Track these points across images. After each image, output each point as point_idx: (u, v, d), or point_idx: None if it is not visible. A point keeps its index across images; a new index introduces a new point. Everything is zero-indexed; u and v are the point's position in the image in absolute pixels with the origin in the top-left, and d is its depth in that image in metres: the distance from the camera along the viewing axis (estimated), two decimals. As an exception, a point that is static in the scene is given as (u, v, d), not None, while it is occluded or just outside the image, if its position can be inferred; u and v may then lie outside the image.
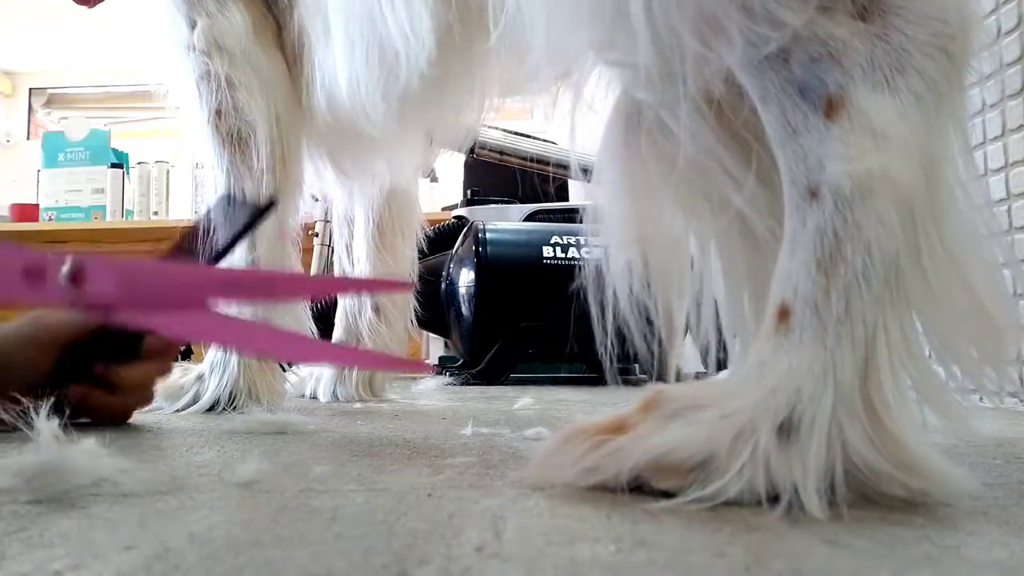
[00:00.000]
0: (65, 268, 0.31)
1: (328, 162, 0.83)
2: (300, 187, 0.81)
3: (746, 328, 0.42)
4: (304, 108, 0.78)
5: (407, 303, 0.97)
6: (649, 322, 0.42)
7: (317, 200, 0.98)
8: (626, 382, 1.03)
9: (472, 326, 1.37)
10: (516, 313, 1.35)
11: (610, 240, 0.42)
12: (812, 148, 0.33)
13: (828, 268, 0.32)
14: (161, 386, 0.79)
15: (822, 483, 0.30)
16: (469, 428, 0.57)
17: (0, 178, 3.13)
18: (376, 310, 0.94)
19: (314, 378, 0.98)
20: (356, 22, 0.62)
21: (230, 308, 0.36)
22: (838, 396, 0.31)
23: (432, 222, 1.42)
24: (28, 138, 3.35)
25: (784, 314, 0.32)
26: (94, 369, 0.57)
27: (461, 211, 1.75)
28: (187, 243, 0.58)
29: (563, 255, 1.37)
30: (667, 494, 0.31)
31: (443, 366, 1.64)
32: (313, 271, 1.69)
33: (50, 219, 2.54)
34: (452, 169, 2.23)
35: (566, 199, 1.83)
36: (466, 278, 1.38)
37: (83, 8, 0.82)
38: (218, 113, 0.75)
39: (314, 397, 0.96)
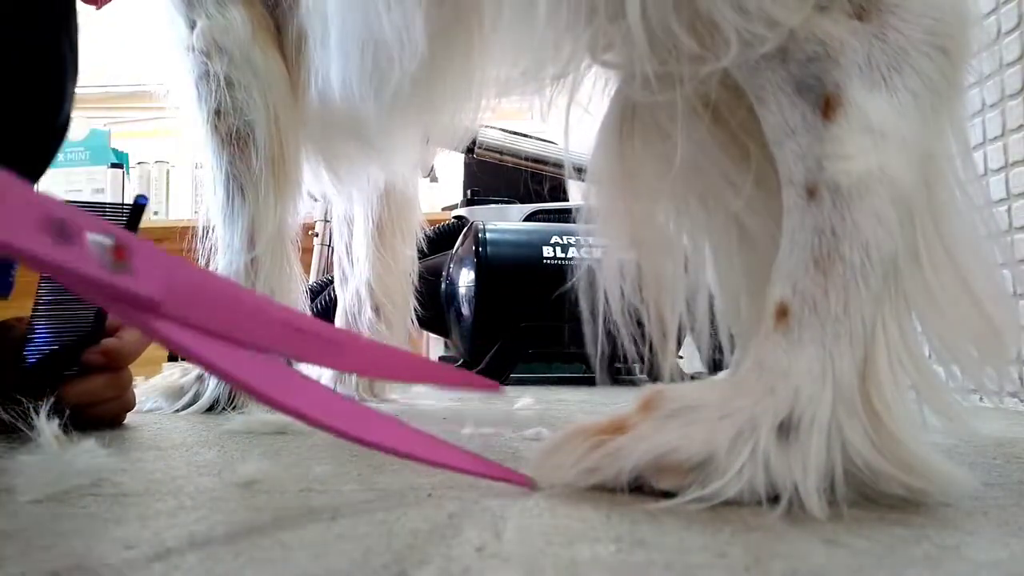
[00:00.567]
0: (107, 239, 0.23)
1: (322, 163, 0.83)
2: (299, 187, 0.81)
3: (744, 328, 0.42)
4: (300, 108, 0.78)
5: (407, 303, 0.97)
6: (640, 324, 0.42)
7: (317, 200, 0.98)
8: (626, 382, 1.04)
9: (472, 326, 1.37)
10: (516, 313, 1.35)
11: (604, 240, 0.42)
12: (810, 147, 0.33)
13: (826, 267, 0.32)
14: (159, 386, 0.79)
15: (822, 483, 0.30)
16: (469, 428, 0.57)
17: (0, 178, 3.12)
18: (376, 310, 0.94)
19: (315, 376, 0.98)
20: (352, 23, 0.62)
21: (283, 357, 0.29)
22: (837, 395, 0.31)
23: (432, 222, 1.42)
24: (28, 138, 3.35)
25: (782, 313, 0.32)
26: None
27: (461, 211, 1.75)
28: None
29: (563, 255, 1.37)
30: (667, 494, 0.31)
31: (443, 366, 1.63)
32: (313, 271, 1.69)
33: (50, 219, 2.53)
34: (452, 169, 2.23)
35: (561, 199, 1.83)
36: (466, 278, 1.38)
37: (90, 8, 0.82)
38: (217, 113, 0.76)
39: (314, 397, 0.96)
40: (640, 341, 0.41)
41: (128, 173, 2.65)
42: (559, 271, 1.35)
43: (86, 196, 2.52)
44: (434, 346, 2.06)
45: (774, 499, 0.30)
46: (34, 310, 0.55)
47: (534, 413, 0.73)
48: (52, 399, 0.46)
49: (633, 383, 1.12)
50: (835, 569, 0.22)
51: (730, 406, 0.32)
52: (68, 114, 0.88)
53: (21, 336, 0.55)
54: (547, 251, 1.37)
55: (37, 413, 0.42)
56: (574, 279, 0.44)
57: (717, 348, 0.43)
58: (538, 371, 1.59)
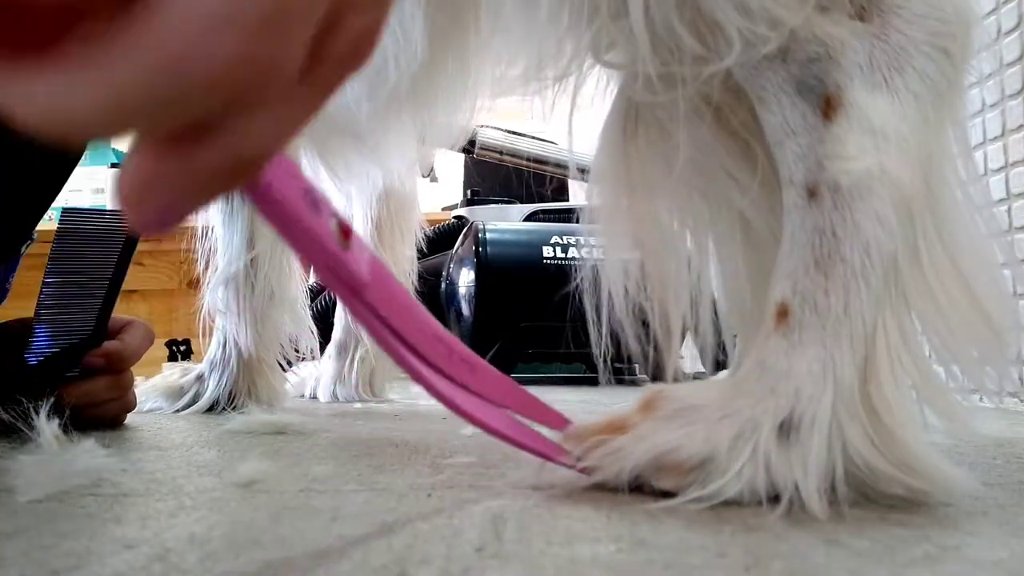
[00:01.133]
0: (335, 219, 0.25)
1: (319, 161, 0.83)
2: None
3: (745, 328, 0.42)
4: None
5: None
6: (645, 323, 0.42)
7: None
8: (626, 382, 1.04)
9: (472, 326, 1.37)
10: (516, 313, 1.35)
11: (607, 240, 0.42)
12: (811, 148, 0.33)
13: (827, 267, 0.32)
14: (159, 387, 0.79)
15: (822, 483, 0.30)
16: (469, 428, 0.57)
17: (0, 178, 3.12)
18: (376, 310, 0.94)
19: (314, 378, 0.98)
20: None
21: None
22: (838, 395, 0.31)
23: (432, 222, 1.42)
24: (28, 138, 3.35)
25: (783, 313, 0.32)
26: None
27: (461, 211, 1.75)
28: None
29: (563, 255, 1.37)
30: (667, 494, 0.31)
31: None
32: (313, 271, 1.69)
33: (50, 219, 2.54)
34: (452, 169, 2.22)
35: (563, 200, 1.83)
36: (466, 278, 1.38)
37: None
38: None
39: (314, 397, 0.96)
40: (644, 340, 0.42)
41: (128, 173, 2.65)
42: (559, 271, 1.35)
43: (86, 196, 2.52)
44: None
45: (774, 499, 0.30)
46: (37, 312, 0.55)
47: (534, 413, 0.73)
48: (52, 400, 0.46)
49: (634, 383, 1.12)
50: (835, 569, 0.22)
51: (730, 406, 0.32)
52: None
53: (23, 337, 0.55)
54: (547, 251, 1.37)
55: (37, 413, 0.42)
56: (575, 279, 0.44)
57: (719, 348, 0.43)
58: (538, 371, 1.59)
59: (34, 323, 0.55)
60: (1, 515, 0.29)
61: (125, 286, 0.58)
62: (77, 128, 0.13)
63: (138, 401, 0.68)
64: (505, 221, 1.58)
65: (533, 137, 1.60)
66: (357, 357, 0.93)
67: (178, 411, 0.76)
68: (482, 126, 1.58)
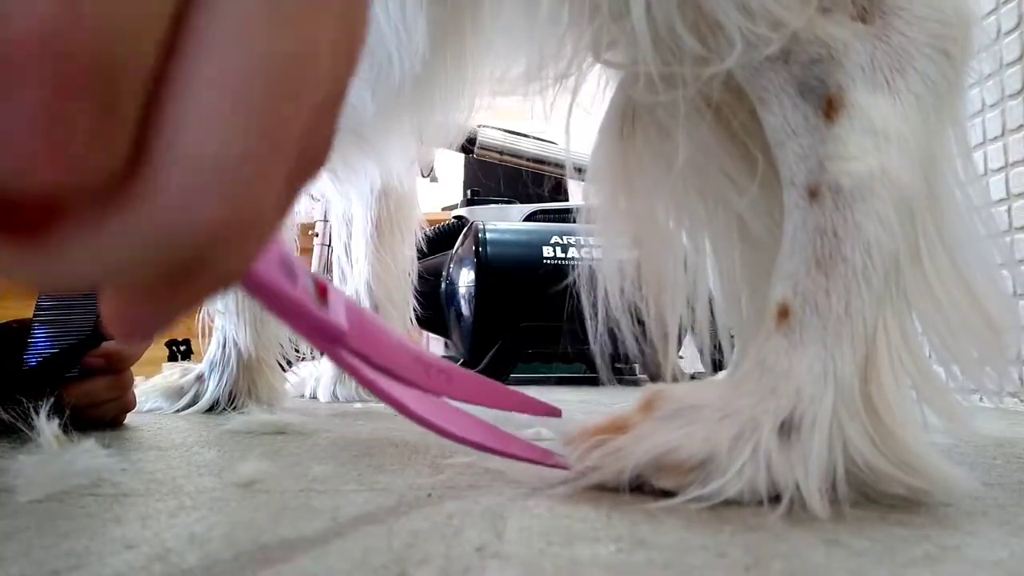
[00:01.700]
0: (309, 279, 0.26)
1: None
2: None
3: (745, 327, 0.42)
4: None
5: (406, 303, 0.97)
6: (641, 323, 0.42)
7: (317, 200, 0.98)
8: (627, 382, 1.03)
9: (472, 326, 1.37)
10: (516, 313, 1.35)
11: (605, 239, 0.42)
12: (812, 148, 0.33)
13: (828, 267, 0.32)
14: (159, 387, 0.79)
15: (823, 483, 0.30)
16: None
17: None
18: (376, 310, 0.94)
19: (314, 378, 0.98)
20: None
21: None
22: (839, 395, 0.31)
23: (432, 222, 1.42)
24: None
25: (784, 313, 0.32)
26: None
27: (461, 211, 1.75)
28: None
29: (563, 255, 1.37)
30: (667, 493, 0.31)
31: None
32: (312, 271, 1.69)
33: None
34: (452, 169, 2.23)
35: (561, 199, 1.83)
36: (466, 278, 1.38)
37: None
38: None
39: (314, 397, 0.96)
40: (642, 340, 0.42)
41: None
42: (559, 271, 1.35)
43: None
44: (434, 346, 2.06)
45: (775, 499, 0.30)
46: (36, 312, 0.55)
47: (534, 413, 0.73)
48: (52, 400, 0.46)
49: (634, 383, 1.11)
50: (835, 569, 0.22)
51: (731, 406, 0.32)
52: None
53: (22, 337, 0.55)
54: (547, 251, 1.37)
55: (37, 413, 0.42)
56: (574, 279, 0.44)
57: (717, 348, 0.43)
58: (538, 371, 1.59)
59: (34, 323, 0.55)
60: (1, 515, 0.29)
61: (125, 286, 0.58)
62: (63, 286, 0.14)
63: (138, 401, 0.68)
64: (505, 221, 1.58)
65: (533, 137, 1.60)
66: (357, 357, 0.93)
67: (178, 411, 0.76)
68: (482, 126, 1.58)
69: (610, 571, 0.22)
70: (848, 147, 0.32)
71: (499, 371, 1.36)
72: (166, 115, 0.13)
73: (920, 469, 0.30)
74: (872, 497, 0.31)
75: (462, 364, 1.45)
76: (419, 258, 1.00)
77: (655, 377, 0.42)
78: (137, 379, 0.66)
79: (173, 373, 0.81)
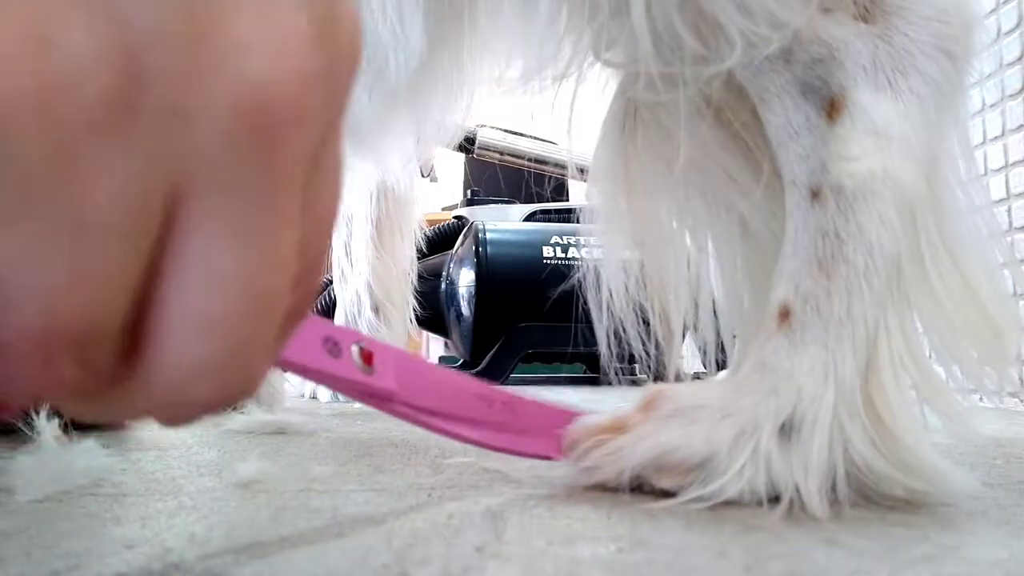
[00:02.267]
0: (356, 348, 0.28)
1: None
2: None
3: (746, 328, 0.42)
4: None
5: (406, 303, 0.97)
6: (646, 322, 0.42)
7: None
8: (627, 382, 1.03)
9: (472, 326, 1.37)
10: (516, 313, 1.35)
11: (606, 239, 0.42)
12: (814, 149, 0.33)
13: (830, 268, 0.32)
14: None
15: (823, 483, 0.30)
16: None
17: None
18: (375, 309, 0.94)
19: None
20: None
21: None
22: (840, 396, 0.31)
23: (432, 222, 1.42)
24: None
25: (785, 314, 0.32)
26: None
27: (461, 211, 1.75)
28: None
29: (563, 255, 1.37)
30: (667, 493, 0.31)
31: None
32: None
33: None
34: (452, 169, 2.22)
35: (561, 199, 1.83)
36: (466, 278, 1.38)
37: None
38: None
39: (314, 397, 0.96)
40: (645, 339, 0.42)
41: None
42: (559, 271, 1.35)
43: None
44: (434, 346, 2.06)
45: (775, 499, 0.30)
46: None
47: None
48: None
49: (634, 383, 1.11)
50: (835, 569, 0.22)
51: (732, 406, 0.32)
52: None
53: None
54: (547, 251, 1.37)
55: (37, 413, 0.42)
56: (576, 278, 0.44)
57: (719, 347, 0.43)
58: (538, 371, 1.59)
59: None
60: (1, 515, 0.29)
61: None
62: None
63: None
64: (505, 221, 1.58)
65: (534, 137, 1.59)
66: (357, 357, 0.93)
67: (178, 411, 0.75)
68: (482, 126, 1.58)
69: (610, 571, 0.22)
70: (850, 148, 0.32)
71: (499, 371, 1.36)
72: (154, 329, 0.15)
73: (921, 471, 0.30)
74: (872, 498, 0.31)
75: (462, 364, 1.45)
76: (419, 258, 1.00)
77: (657, 376, 0.42)
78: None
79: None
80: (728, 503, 0.30)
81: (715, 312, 0.43)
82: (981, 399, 0.36)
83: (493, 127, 1.56)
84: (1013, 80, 0.83)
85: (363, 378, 0.29)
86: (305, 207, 0.16)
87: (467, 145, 1.51)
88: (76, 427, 0.44)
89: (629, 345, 0.42)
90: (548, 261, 1.37)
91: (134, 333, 0.15)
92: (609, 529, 0.27)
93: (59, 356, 0.14)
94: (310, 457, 0.45)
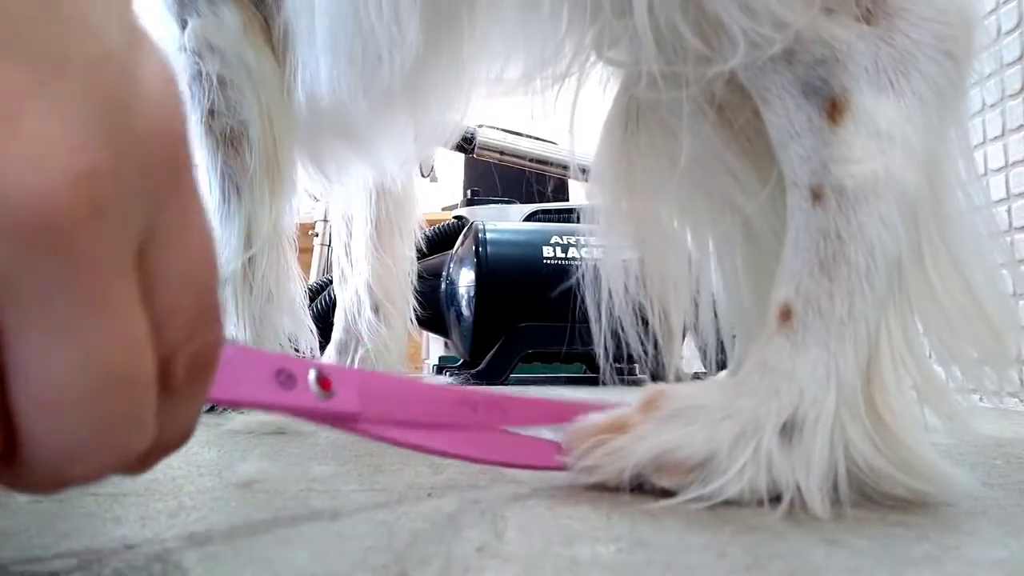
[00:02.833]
0: (312, 374, 0.29)
1: (309, 162, 0.83)
2: (294, 185, 0.81)
3: (747, 328, 0.42)
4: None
5: (406, 303, 0.97)
6: (645, 322, 0.42)
7: (317, 200, 0.98)
8: (628, 382, 1.04)
9: (472, 326, 1.37)
10: (516, 313, 1.35)
11: (608, 239, 0.42)
12: (815, 150, 0.33)
13: (831, 269, 0.32)
14: None
15: (824, 484, 0.30)
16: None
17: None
18: (376, 310, 0.94)
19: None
20: (341, 20, 0.62)
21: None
22: (841, 397, 0.31)
23: (432, 222, 1.41)
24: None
25: (786, 315, 0.32)
26: None
27: (461, 211, 1.75)
28: None
29: (563, 255, 1.37)
30: (667, 493, 0.31)
31: (443, 366, 1.64)
32: (313, 271, 1.69)
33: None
34: (452, 169, 2.23)
35: (562, 199, 1.83)
36: (466, 278, 1.38)
37: None
38: (211, 113, 0.75)
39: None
40: (645, 339, 0.41)
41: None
42: (559, 271, 1.35)
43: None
44: (434, 346, 2.06)
45: (775, 499, 0.30)
46: None
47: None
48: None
49: (635, 382, 1.11)
50: (835, 569, 0.22)
51: (733, 406, 0.32)
52: None
53: None
54: (547, 251, 1.37)
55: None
56: (576, 278, 0.44)
57: (719, 347, 0.43)
58: (538, 371, 1.59)
59: None
60: (1, 515, 0.29)
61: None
62: None
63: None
64: (505, 221, 1.58)
65: (534, 137, 1.59)
66: (358, 357, 0.93)
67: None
68: (482, 126, 1.57)
69: (610, 571, 0.22)
70: (852, 149, 0.32)
71: (499, 371, 1.36)
72: (18, 423, 0.17)
73: (921, 471, 0.30)
74: (873, 498, 0.31)
75: (462, 364, 1.45)
76: (419, 258, 1.00)
77: (656, 376, 0.42)
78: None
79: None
80: (728, 503, 0.30)
81: (715, 312, 0.43)
82: (981, 399, 0.36)
83: (493, 127, 1.56)
84: (1013, 80, 0.83)
85: (321, 404, 0.29)
86: (155, 278, 0.18)
87: (464, 145, 1.51)
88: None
89: (628, 345, 0.42)
90: (548, 261, 1.37)
91: (6, 426, 0.17)
92: (609, 529, 0.27)
93: None
94: (310, 457, 0.45)
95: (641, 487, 0.32)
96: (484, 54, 0.57)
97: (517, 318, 1.35)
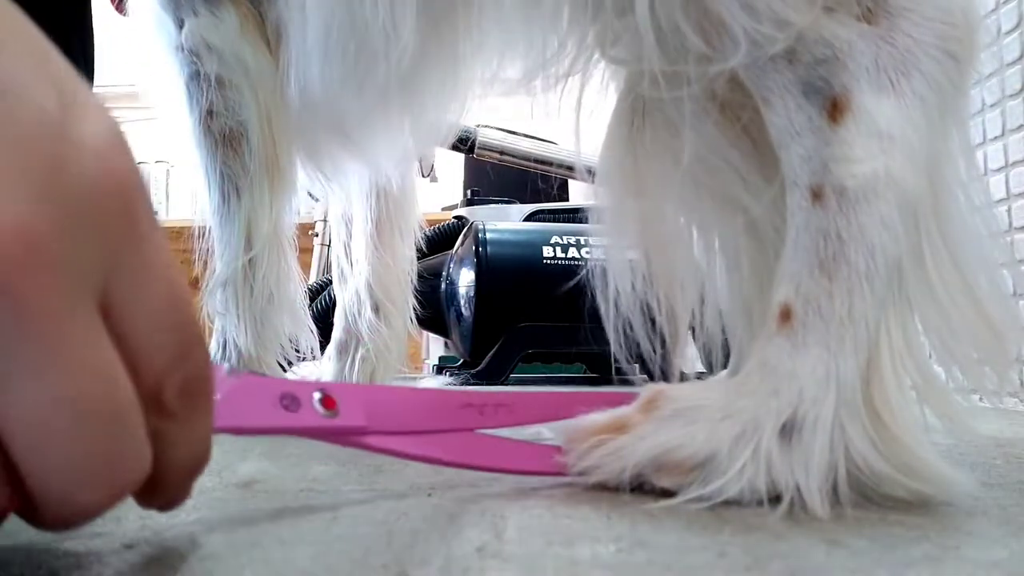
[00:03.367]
0: (317, 395, 0.31)
1: (305, 161, 0.83)
2: (294, 185, 0.81)
3: (749, 328, 0.42)
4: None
5: (406, 302, 0.97)
6: (652, 321, 0.41)
7: (318, 200, 0.97)
8: (624, 381, 1.04)
9: (472, 326, 1.37)
10: (516, 313, 1.35)
11: (613, 239, 0.42)
12: (816, 150, 0.33)
13: (831, 270, 0.32)
14: None
15: (824, 484, 0.30)
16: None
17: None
18: (376, 310, 0.94)
19: (314, 378, 0.98)
20: (336, 17, 0.61)
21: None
22: (841, 398, 0.31)
23: (432, 222, 1.41)
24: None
25: (786, 315, 0.32)
26: None
27: (461, 211, 1.75)
28: None
29: (563, 255, 1.37)
30: (667, 493, 0.31)
31: (443, 366, 1.64)
32: (313, 271, 1.69)
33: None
34: (452, 169, 2.23)
35: (565, 199, 1.83)
36: (466, 278, 1.38)
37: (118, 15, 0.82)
38: (210, 113, 0.75)
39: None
40: (652, 338, 0.41)
41: (128, 172, 2.65)
42: (559, 271, 1.35)
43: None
44: (434, 346, 2.06)
45: (775, 499, 0.30)
46: None
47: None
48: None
49: (635, 383, 1.11)
50: (835, 569, 0.22)
51: (733, 406, 0.32)
52: None
53: None
54: (547, 251, 1.37)
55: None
56: (578, 278, 0.44)
57: (723, 347, 0.43)
58: (538, 371, 1.59)
59: None
60: (1, 515, 0.29)
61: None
62: None
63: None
64: (505, 221, 1.57)
65: (534, 137, 1.59)
66: (358, 357, 0.93)
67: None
68: (482, 126, 1.57)
69: (610, 571, 0.22)
70: (853, 149, 0.32)
71: (499, 371, 1.36)
72: (16, 458, 0.18)
73: (922, 472, 0.30)
74: (873, 499, 0.31)
75: (462, 364, 1.45)
76: (419, 258, 0.99)
77: (652, 376, 0.42)
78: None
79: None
80: (728, 503, 0.30)
81: (718, 311, 0.43)
82: (981, 399, 0.36)
83: (493, 127, 1.55)
84: (1013, 80, 0.83)
85: (326, 423, 0.30)
86: (123, 315, 0.20)
87: (459, 144, 1.51)
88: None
89: (638, 344, 0.42)
90: (548, 261, 1.36)
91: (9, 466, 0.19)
92: (609, 529, 0.27)
93: None
94: (310, 457, 0.45)
95: (641, 487, 0.32)
96: (483, 52, 0.56)
97: (517, 318, 1.35)
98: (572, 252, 1.37)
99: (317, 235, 1.73)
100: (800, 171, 0.33)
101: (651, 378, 0.40)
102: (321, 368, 0.97)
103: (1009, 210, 0.83)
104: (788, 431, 0.30)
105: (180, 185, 2.62)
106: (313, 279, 1.54)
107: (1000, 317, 0.34)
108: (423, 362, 2.23)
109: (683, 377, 0.42)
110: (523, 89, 0.42)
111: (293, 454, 0.46)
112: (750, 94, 0.36)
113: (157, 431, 0.21)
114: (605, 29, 0.36)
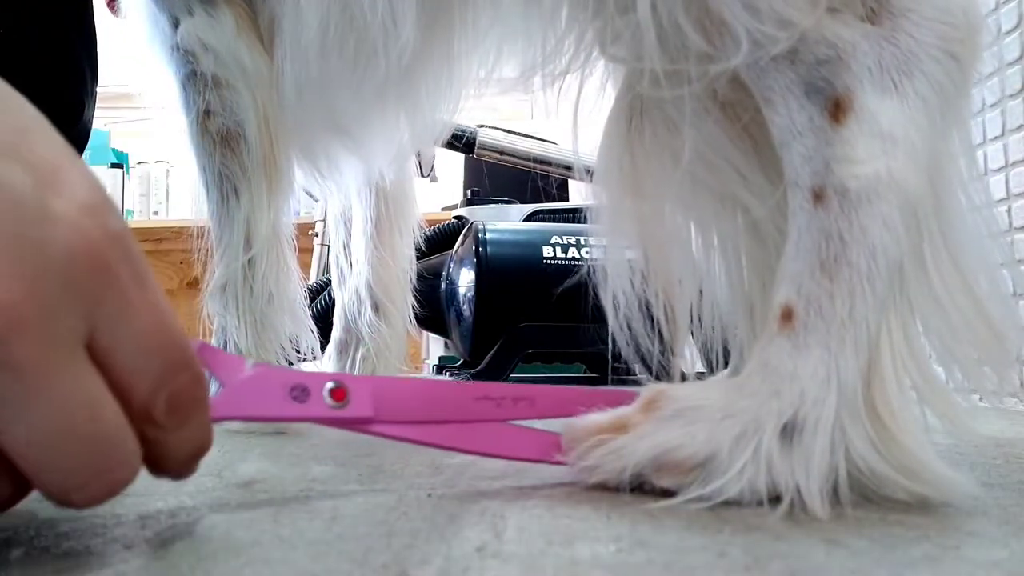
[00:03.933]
0: (328, 386, 0.32)
1: (302, 159, 0.82)
2: (292, 184, 0.81)
3: (750, 328, 0.42)
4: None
5: (406, 301, 0.97)
6: (651, 321, 0.41)
7: (317, 200, 0.97)
8: (628, 382, 1.03)
9: (472, 326, 1.37)
10: (516, 313, 1.35)
11: (612, 239, 0.42)
12: (818, 150, 0.33)
13: (832, 271, 0.32)
14: None
15: (824, 485, 0.30)
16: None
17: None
18: (376, 309, 0.94)
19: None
20: (332, 14, 0.61)
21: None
22: (841, 399, 0.31)
23: (432, 222, 1.41)
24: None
25: (788, 316, 0.32)
26: None
27: (461, 211, 1.75)
28: None
29: (563, 255, 1.37)
30: (668, 493, 0.31)
31: (443, 366, 1.64)
32: (313, 271, 1.69)
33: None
34: (452, 169, 2.22)
35: (565, 199, 1.83)
36: (466, 278, 1.38)
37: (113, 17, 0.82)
38: (207, 113, 0.74)
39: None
40: (651, 338, 0.41)
41: (128, 173, 2.65)
42: (559, 271, 1.35)
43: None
44: (434, 346, 2.06)
45: (775, 499, 0.30)
46: None
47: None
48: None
49: (635, 383, 1.11)
50: (835, 569, 0.22)
51: (733, 407, 0.32)
52: (89, 121, 0.86)
53: None
54: (547, 251, 1.37)
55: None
56: (577, 278, 0.44)
57: (723, 347, 0.43)
58: (538, 371, 1.59)
59: None
60: (1, 515, 0.29)
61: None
62: None
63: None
64: (505, 221, 1.57)
65: (534, 137, 1.59)
66: (359, 356, 0.93)
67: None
68: (482, 126, 1.57)
69: (610, 571, 0.22)
70: (856, 150, 0.32)
71: (499, 371, 1.36)
72: (19, 465, 0.22)
73: (922, 474, 0.30)
74: (873, 500, 0.31)
75: (462, 364, 1.45)
76: (419, 258, 0.99)
77: (656, 376, 0.42)
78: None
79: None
80: (728, 503, 0.30)
81: (718, 312, 0.43)
82: (981, 399, 0.36)
83: (493, 127, 1.55)
84: (1013, 80, 0.83)
85: (334, 413, 0.32)
86: (110, 350, 0.23)
87: (459, 144, 1.51)
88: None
89: (638, 344, 0.42)
90: (548, 261, 1.36)
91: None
92: (609, 529, 0.27)
93: None
94: (310, 457, 0.45)
95: (641, 487, 0.32)
96: (482, 50, 0.56)
97: (517, 318, 1.35)
98: (572, 252, 1.37)
99: (317, 235, 1.73)
100: (801, 171, 0.33)
101: (657, 378, 0.40)
102: (321, 368, 0.97)
103: (1009, 210, 0.83)
104: (789, 432, 0.30)
105: (180, 185, 2.62)
106: (313, 279, 1.54)
107: (1000, 317, 0.34)
108: (423, 362, 2.23)
109: (683, 377, 0.41)
110: (521, 87, 0.42)
111: (293, 454, 0.46)
112: (751, 94, 0.36)
113: (154, 439, 0.24)
114: (605, 26, 0.36)
